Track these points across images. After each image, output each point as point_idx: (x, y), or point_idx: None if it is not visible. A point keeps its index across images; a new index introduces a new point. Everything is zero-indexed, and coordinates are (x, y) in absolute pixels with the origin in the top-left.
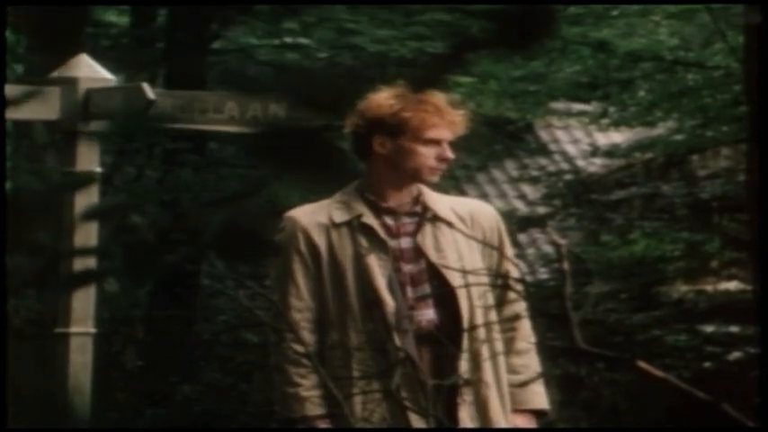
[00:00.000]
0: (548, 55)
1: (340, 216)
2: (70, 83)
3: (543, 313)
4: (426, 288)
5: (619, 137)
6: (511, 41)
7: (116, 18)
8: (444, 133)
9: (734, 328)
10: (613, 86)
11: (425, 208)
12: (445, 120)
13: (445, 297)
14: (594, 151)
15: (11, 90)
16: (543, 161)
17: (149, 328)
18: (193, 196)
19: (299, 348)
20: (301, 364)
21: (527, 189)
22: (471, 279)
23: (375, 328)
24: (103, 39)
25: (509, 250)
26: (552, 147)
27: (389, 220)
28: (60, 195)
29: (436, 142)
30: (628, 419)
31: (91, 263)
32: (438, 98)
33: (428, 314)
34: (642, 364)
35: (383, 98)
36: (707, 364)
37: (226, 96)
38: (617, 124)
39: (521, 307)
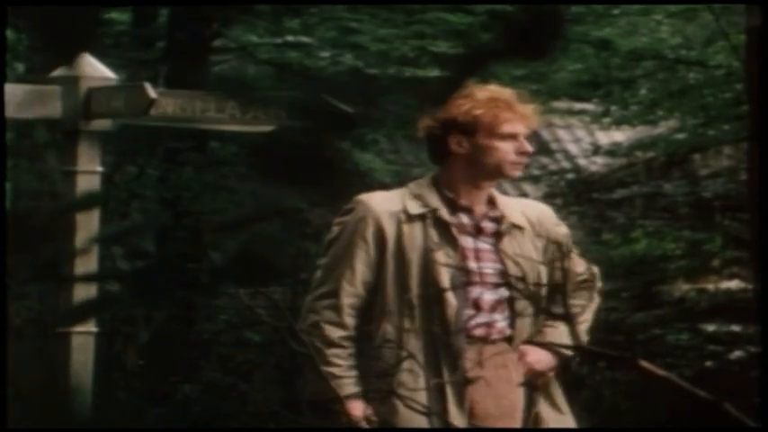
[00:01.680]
0: (555, 52)
1: (415, 208)
2: (71, 82)
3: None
4: (497, 292)
5: (620, 136)
6: (523, 50)
7: (117, 15)
8: (519, 127)
9: (735, 327)
10: (615, 85)
11: (503, 212)
12: (517, 113)
13: (512, 303)
14: (596, 150)
15: (11, 90)
16: (545, 160)
17: (150, 328)
18: (194, 195)
19: (333, 334)
20: (337, 346)
21: (528, 188)
22: (529, 288)
23: (432, 325)
24: (105, 37)
25: (576, 262)
26: (554, 146)
27: (466, 219)
28: (64, 214)
29: (512, 136)
30: (628, 419)
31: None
32: (507, 93)
33: (492, 318)
34: (643, 363)
35: (452, 98)
36: (708, 363)
37: (227, 96)
38: (618, 123)
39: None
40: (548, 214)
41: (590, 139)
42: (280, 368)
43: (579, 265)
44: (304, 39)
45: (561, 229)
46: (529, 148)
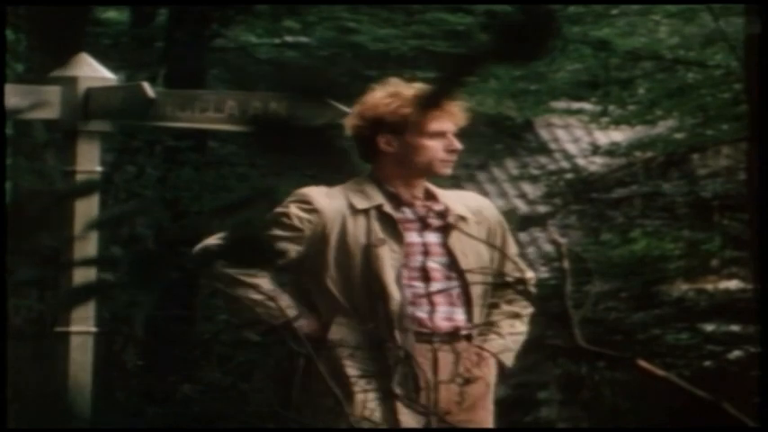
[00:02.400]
0: (548, 54)
1: (361, 203)
2: (70, 82)
3: (544, 312)
4: (447, 284)
5: (619, 135)
6: (515, 54)
7: (116, 15)
8: (446, 125)
9: (734, 327)
10: (614, 85)
11: (446, 205)
12: (445, 111)
13: (466, 295)
14: (595, 150)
15: (11, 90)
16: (544, 160)
17: (149, 328)
18: (194, 195)
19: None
20: (261, 276)
21: (527, 188)
22: (484, 277)
23: (377, 322)
24: (104, 37)
25: (512, 246)
26: (552, 145)
27: (410, 214)
28: (62, 202)
29: (441, 134)
30: (628, 419)
31: (92, 273)
32: None
33: (446, 311)
34: (643, 363)
35: (379, 97)
36: (707, 363)
37: (226, 95)
38: (617, 123)
39: (521, 307)
40: (487, 204)
41: (589, 139)
42: (280, 368)
43: (516, 264)
44: (303, 39)
45: (501, 220)
46: (458, 145)
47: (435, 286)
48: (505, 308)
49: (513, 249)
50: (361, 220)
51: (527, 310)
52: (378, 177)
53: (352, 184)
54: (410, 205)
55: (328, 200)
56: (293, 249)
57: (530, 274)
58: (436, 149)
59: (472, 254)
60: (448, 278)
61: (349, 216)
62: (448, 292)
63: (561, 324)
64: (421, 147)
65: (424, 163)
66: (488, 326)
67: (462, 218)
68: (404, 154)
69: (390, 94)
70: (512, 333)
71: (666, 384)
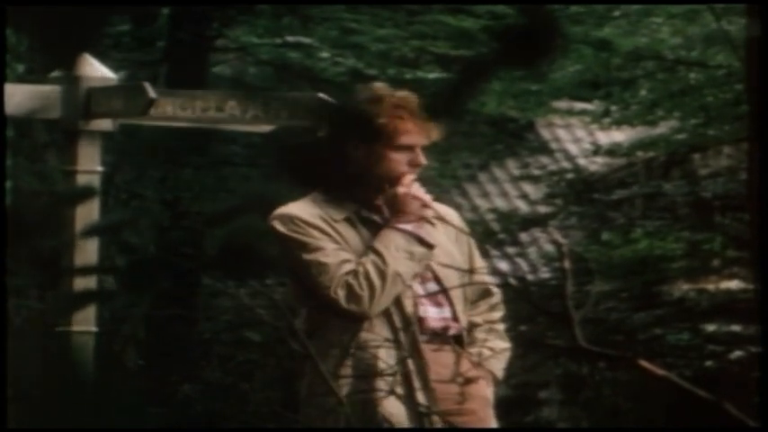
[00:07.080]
0: (552, 57)
1: (337, 213)
2: (71, 82)
3: (544, 312)
4: (429, 287)
5: (620, 136)
6: (518, 60)
7: (117, 15)
8: (417, 139)
9: (735, 327)
10: (615, 85)
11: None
12: (418, 125)
13: (445, 296)
14: (596, 150)
15: (11, 90)
16: (545, 160)
17: (150, 328)
18: (194, 195)
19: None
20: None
21: (529, 188)
22: (465, 278)
23: (391, 324)
24: (105, 38)
25: (479, 259)
26: (554, 145)
27: (379, 219)
28: (62, 207)
29: (409, 148)
30: (629, 419)
31: (92, 278)
32: (413, 103)
33: (435, 311)
34: (644, 363)
35: (358, 102)
36: (708, 363)
37: (227, 95)
38: (619, 123)
39: (498, 313)
40: (452, 212)
41: (590, 139)
42: (280, 368)
43: (484, 276)
44: (304, 39)
45: (466, 229)
46: (423, 160)
47: (424, 287)
48: (487, 325)
49: (479, 262)
50: (347, 227)
51: (502, 326)
52: (342, 186)
53: (317, 195)
54: (378, 211)
55: (309, 210)
56: (323, 247)
57: (495, 290)
58: (399, 162)
59: (443, 254)
60: (429, 279)
61: (336, 224)
62: (427, 292)
63: (562, 324)
64: (386, 158)
65: (384, 174)
66: (485, 331)
67: (428, 221)
68: (366, 162)
69: (370, 99)
70: (502, 349)
71: (667, 384)
